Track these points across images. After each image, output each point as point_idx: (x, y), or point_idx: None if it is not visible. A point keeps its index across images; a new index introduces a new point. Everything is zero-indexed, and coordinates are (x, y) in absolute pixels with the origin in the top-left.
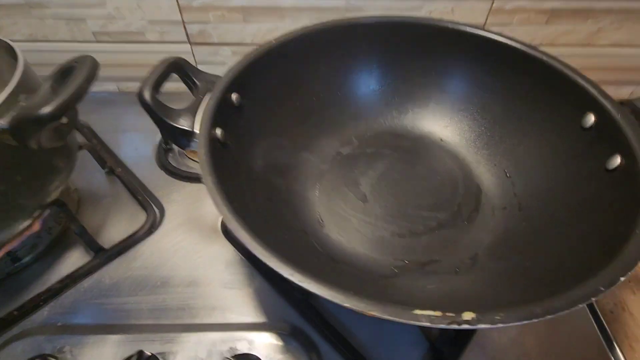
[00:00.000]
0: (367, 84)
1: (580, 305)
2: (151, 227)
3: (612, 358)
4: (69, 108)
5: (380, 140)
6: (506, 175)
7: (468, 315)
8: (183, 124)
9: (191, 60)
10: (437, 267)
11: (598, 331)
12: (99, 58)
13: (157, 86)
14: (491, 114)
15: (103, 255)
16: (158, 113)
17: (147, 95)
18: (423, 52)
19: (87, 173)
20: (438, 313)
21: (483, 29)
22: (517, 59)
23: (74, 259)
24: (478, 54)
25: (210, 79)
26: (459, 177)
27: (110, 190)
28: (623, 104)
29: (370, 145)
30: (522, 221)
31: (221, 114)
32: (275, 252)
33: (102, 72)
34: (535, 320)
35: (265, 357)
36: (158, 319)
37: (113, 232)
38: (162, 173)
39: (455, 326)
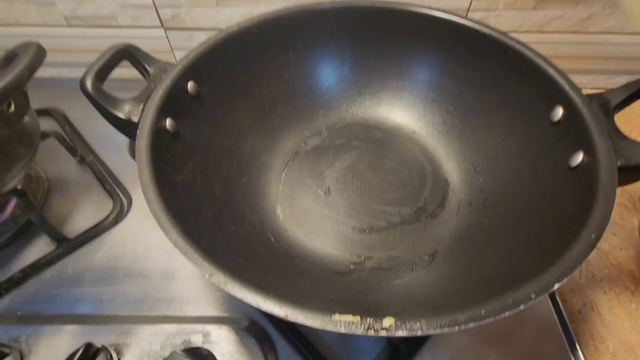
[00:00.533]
0: (339, 73)
1: (507, 314)
2: (117, 217)
3: (572, 358)
4: (7, 97)
5: (351, 131)
6: (475, 170)
7: (387, 322)
8: (128, 114)
9: (166, 46)
10: (395, 263)
11: (561, 331)
12: (72, 43)
13: (101, 74)
14: (464, 105)
15: (66, 245)
16: (100, 102)
17: (88, 84)
18: (397, 40)
19: (58, 162)
20: (356, 319)
21: (456, 15)
22: (490, 47)
23: (39, 248)
24: (452, 42)
25: (164, 67)
26: (428, 171)
27: (80, 179)
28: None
29: (341, 136)
30: (484, 218)
31: (173, 103)
32: (202, 248)
33: (76, 58)
34: (458, 328)
35: (218, 351)
36: (116, 310)
37: (80, 222)
38: (133, 163)
39: (371, 333)
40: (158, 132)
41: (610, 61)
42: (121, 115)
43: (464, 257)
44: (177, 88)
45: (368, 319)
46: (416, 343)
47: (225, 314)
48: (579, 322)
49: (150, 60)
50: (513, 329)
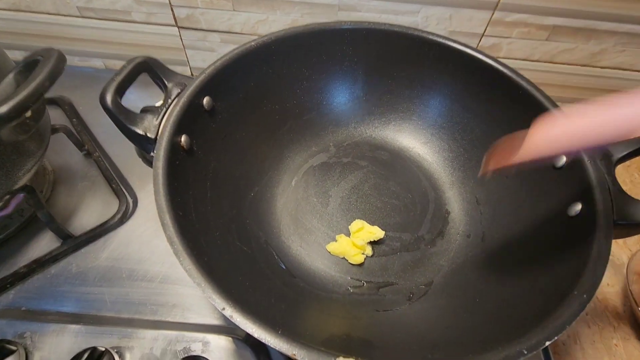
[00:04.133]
0: (350, 91)
1: None
2: (122, 218)
3: None
4: (27, 108)
5: (358, 150)
6: (476, 202)
7: None
8: (145, 129)
9: (178, 44)
10: (392, 290)
11: None
12: (83, 33)
13: (121, 88)
14: (471, 135)
15: (72, 243)
16: (119, 117)
17: (108, 99)
18: (410, 64)
19: (65, 153)
20: None
21: (472, 48)
22: (502, 84)
23: (44, 243)
24: (465, 72)
25: (181, 81)
26: (431, 197)
27: (86, 174)
28: None
29: (348, 154)
30: (482, 252)
31: (188, 120)
32: (211, 272)
33: (88, 48)
34: None
35: None
36: (119, 312)
37: (85, 219)
38: (140, 162)
39: None
40: (173, 150)
41: None
42: (139, 131)
43: (459, 291)
44: (193, 104)
45: None
46: None
47: (224, 324)
48: (562, 354)
49: (169, 74)
50: None
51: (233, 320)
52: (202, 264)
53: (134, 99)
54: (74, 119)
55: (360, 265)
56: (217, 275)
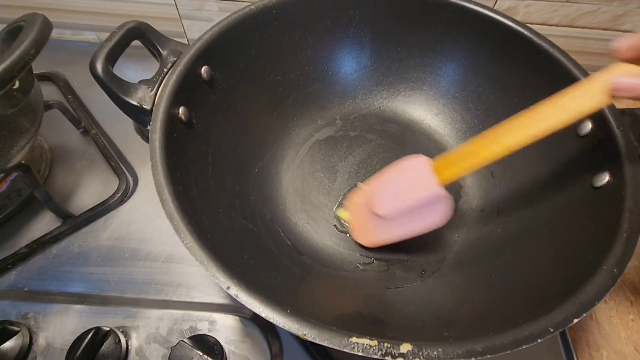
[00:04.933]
0: (357, 60)
1: (524, 346)
2: (123, 196)
3: None
4: (13, 77)
5: (365, 122)
6: (492, 176)
7: (404, 348)
8: (140, 100)
9: (174, 14)
10: (403, 266)
11: (559, 336)
12: (74, 4)
13: (112, 55)
14: (486, 104)
15: (72, 223)
16: (111, 87)
17: (98, 67)
18: (421, 29)
19: (61, 131)
20: (374, 342)
21: (489, 8)
22: (521, 47)
23: (44, 223)
24: (480, 36)
25: (177, 48)
26: None
27: (84, 152)
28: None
29: (355, 127)
30: (497, 227)
31: (186, 90)
32: (215, 250)
33: (80, 20)
34: (474, 359)
35: (224, 339)
36: (123, 291)
37: (85, 198)
38: (139, 139)
39: (389, 359)
40: (171, 122)
41: None
42: (133, 101)
43: (473, 267)
44: (190, 74)
45: (385, 344)
46: None
47: (231, 302)
48: (576, 329)
49: (163, 41)
50: None
51: (239, 300)
52: (205, 241)
53: (132, 75)
54: (69, 96)
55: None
56: (221, 253)
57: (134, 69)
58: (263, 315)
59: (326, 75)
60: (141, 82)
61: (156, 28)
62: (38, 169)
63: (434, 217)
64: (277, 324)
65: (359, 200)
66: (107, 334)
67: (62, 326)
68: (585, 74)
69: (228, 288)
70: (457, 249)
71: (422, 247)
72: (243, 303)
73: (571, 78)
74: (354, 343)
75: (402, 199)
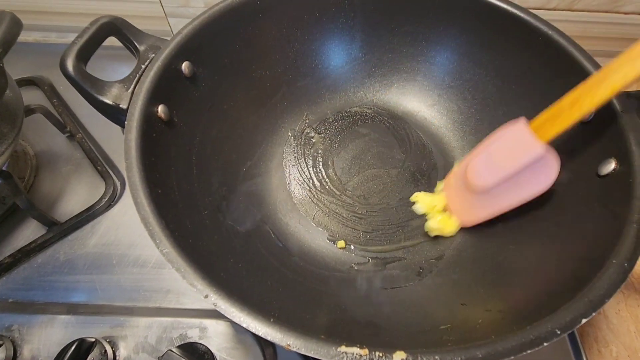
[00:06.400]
0: (347, 51)
1: (529, 351)
2: (110, 201)
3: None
4: None
5: (358, 116)
6: None
7: (398, 356)
8: (115, 99)
9: (159, 12)
10: (400, 265)
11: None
12: (58, 5)
13: (84, 53)
14: (483, 93)
15: (57, 230)
16: (83, 85)
17: (69, 65)
18: (413, 16)
19: (47, 136)
20: (364, 351)
21: None
22: (518, 31)
23: (29, 232)
24: (475, 21)
25: (155, 44)
26: (440, 165)
27: (70, 157)
28: None
29: (347, 121)
30: (497, 220)
31: (166, 87)
32: (197, 256)
33: (65, 22)
34: None
35: (215, 347)
36: (111, 300)
37: (71, 204)
38: None
39: None
40: (149, 121)
41: None
42: (107, 100)
43: (474, 264)
44: (170, 69)
45: (377, 353)
46: None
47: None
48: (584, 325)
49: (140, 36)
50: None
51: (218, 309)
52: (185, 247)
53: (114, 77)
54: (55, 100)
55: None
56: (204, 258)
57: (120, 72)
58: (244, 325)
59: (316, 68)
60: (117, 80)
61: (142, 27)
62: (22, 176)
63: (540, 181)
64: (260, 334)
65: (454, 182)
66: (92, 345)
67: (47, 338)
68: (589, 59)
69: (206, 296)
70: (456, 245)
71: (420, 245)
72: (223, 313)
73: (573, 62)
74: (342, 352)
75: (502, 167)
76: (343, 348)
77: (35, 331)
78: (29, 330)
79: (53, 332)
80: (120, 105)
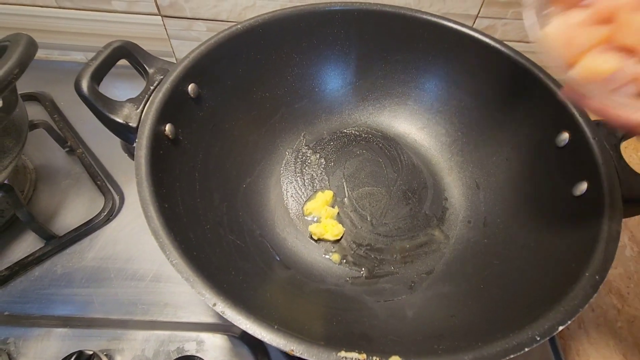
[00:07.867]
0: (343, 76)
1: (512, 355)
2: (109, 215)
3: None
4: None
5: (353, 137)
6: (477, 187)
7: None
8: (125, 118)
9: (163, 34)
10: (392, 279)
11: (549, 346)
12: (62, 25)
13: (97, 74)
14: (469, 118)
15: (56, 243)
16: (96, 105)
17: (84, 85)
18: (404, 46)
19: (47, 151)
20: (362, 356)
21: (469, 27)
22: (500, 63)
23: (27, 245)
24: (461, 53)
25: (164, 67)
26: (429, 184)
27: (70, 172)
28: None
29: (342, 142)
30: (484, 238)
31: (173, 107)
32: (202, 267)
33: (67, 40)
34: None
35: None
36: (108, 313)
37: (70, 217)
38: (126, 157)
39: None
40: (157, 139)
41: None
42: (119, 119)
43: (462, 279)
44: (177, 91)
45: (374, 357)
46: None
47: (219, 321)
48: (566, 338)
49: (150, 59)
50: None
51: (225, 317)
52: (191, 258)
53: (121, 95)
54: (56, 115)
55: (337, 241)
56: (208, 269)
57: (122, 88)
58: (250, 332)
59: (313, 91)
60: (127, 100)
61: (145, 48)
62: (22, 189)
63: None
64: (265, 341)
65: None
66: (90, 357)
67: (43, 351)
68: (560, 87)
69: (214, 305)
70: (446, 260)
71: (411, 260)
72: (230, 320)
73: (547, 91)
74: (342, 357)
75: None
76: (343, 353)
77: (31, 344)
78: (25, 343)
79: (49, 345)
80: (130, 124)
